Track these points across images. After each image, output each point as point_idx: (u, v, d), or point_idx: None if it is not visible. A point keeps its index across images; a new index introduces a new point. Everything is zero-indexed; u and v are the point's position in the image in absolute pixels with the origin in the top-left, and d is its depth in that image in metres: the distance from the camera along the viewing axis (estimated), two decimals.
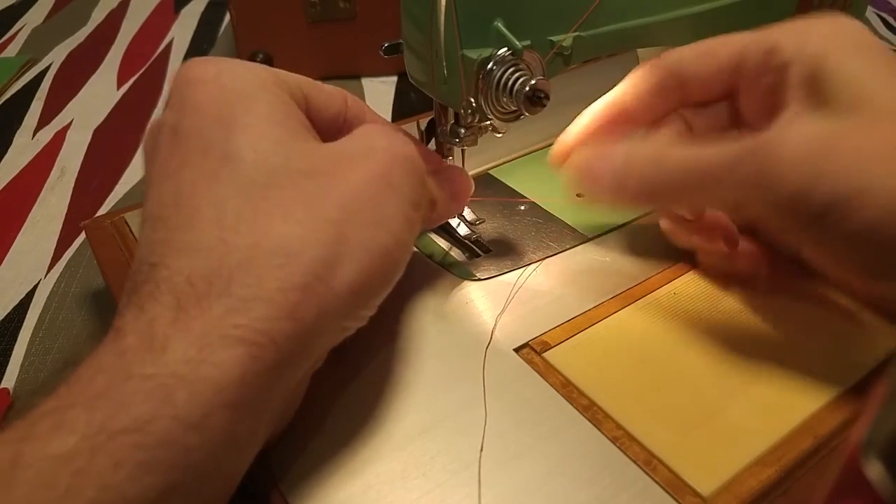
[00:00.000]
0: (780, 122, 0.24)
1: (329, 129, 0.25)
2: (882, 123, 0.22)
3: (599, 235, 0.33)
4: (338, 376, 0.26)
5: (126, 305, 0.19)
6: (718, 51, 0.27)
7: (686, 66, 0.28)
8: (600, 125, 0.29)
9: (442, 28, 0.26)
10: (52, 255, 0.42)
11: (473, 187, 0.29)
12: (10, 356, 0.35)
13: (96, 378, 0.17)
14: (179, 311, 0.18)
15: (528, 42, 0.27)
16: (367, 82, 0.60)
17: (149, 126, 0.24)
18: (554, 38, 0.27)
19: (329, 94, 0.25)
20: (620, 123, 0.29)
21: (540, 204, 0.35)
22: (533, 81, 0.26)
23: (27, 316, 0.38)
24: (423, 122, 0.31)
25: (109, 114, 0.58)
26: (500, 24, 0.26)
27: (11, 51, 0.70)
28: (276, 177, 0.21)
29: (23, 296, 0.39)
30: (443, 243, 0.33)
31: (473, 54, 0.26)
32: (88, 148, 0.53)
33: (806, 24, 0.25)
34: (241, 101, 0.22)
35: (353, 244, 0.20)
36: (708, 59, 0.27)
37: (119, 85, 0.63)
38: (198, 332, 0.18)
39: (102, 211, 0.47)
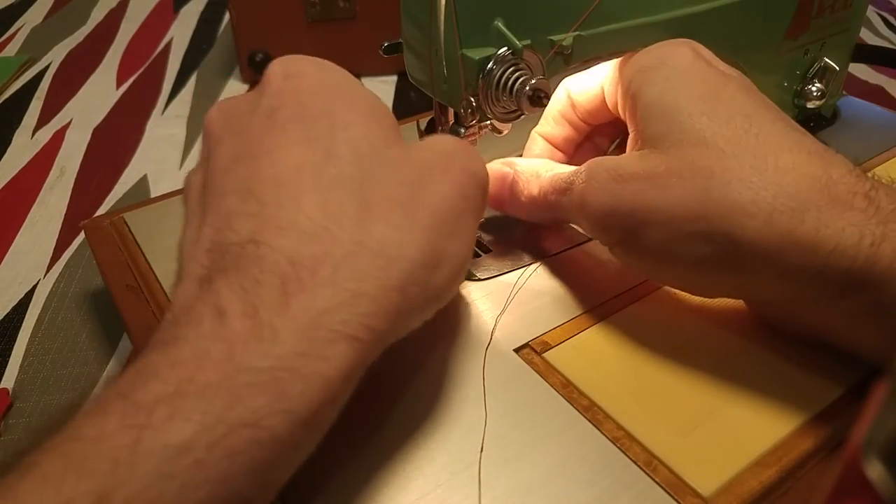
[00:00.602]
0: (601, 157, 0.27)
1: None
2: (676, 153, 0.24)
3: None
4: None
5: (222, 280, 0.19)
6: (594, 78, 0.31)
7: (573, 93, 0.32)
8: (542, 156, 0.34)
9: (442, 28, 0.26)
10: (51, 254, 0.42)
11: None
12: (9, 356, 0.35)
13: (204, 366, 0.17)
14: (285, 295, 0.18)
15: (528, 41, 0.27)
16: (367, 82, 0.60)
17: (217, 107, 0.24)
18: (554, 38, 0.27)
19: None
20: (552, 154, 0.34)
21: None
22: (533, 81, 0.26)
23: (26, 316, 0.38)
24: (423, 122, 0.31)
25: (109, 113, 0.58)
26: (500, 24, 0.26)
27: (11, 50, 0.69)
28: (374, 179, 0.21)
29: (22, 296, 0.39)
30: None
31: (473, 54, 0.26)
32: (88, 147, 0.53)
33: (642, 56, 0.28)
34: (341, 97, 0.22)
35: (445, 252, 0.21)
36: (585, 88, 0.32)
37: (118, 84, 0.63)
38: (307, 324, 0.18)
39: (101, 211, 0.47)
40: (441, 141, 0.24)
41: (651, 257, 0.26)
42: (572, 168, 0.29)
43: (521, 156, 0.40)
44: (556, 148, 0.34)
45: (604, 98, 0.30)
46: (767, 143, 0.23)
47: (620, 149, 0.33)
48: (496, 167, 0.31)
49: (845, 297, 0.22)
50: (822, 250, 0.22)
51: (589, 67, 0.31)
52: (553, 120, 0.33)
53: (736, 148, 0.23)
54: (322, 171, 0.21)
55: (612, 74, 0.30)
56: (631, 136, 0.28)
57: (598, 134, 0.34)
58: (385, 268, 0.20)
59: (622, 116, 0.29)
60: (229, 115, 0.23)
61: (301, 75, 0.23)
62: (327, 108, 0.22)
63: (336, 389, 0.18)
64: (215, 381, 0.16)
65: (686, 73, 0.26)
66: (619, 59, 0.29)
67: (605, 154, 0.33)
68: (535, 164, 0.30)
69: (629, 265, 0.27)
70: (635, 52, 0.28)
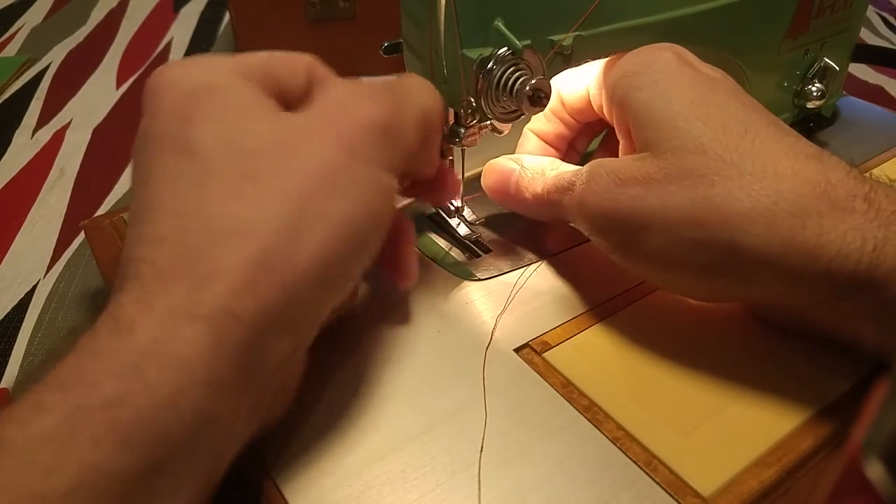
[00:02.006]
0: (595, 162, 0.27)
1: (301, 98, 0.24)
2: (674, 160, 0.24)
3: None
4: (337, 377, 0.26)
5: (106, 306, 0.20)
6: (580, 79, 0.31)
7: (562, 92, 0.32)
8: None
9: (442, 28, 0.26)
10: (51, 255, 0.42)
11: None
12: (9, 356, 0.35)
13: (68, 360, 0.18)
14: (144, 294, 0.19)
15: (528, 41, 0.27)
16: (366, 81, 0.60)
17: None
18: (554, 38, 0.27)
19: (293, 65, 0.24)
20: (545, 150, 0.34)
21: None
22: (533, 81, 0.26)
23: (26, 316, 0.38)
24: None
25: (109, 113, 0.58)
26: (500, 24, 0.26)
27: (10, 50, 0.69)
28: (230, 160, 0.21)
29: (22, 296, 0.39)
30: (443, 243, 0.33)
31: (473, 54, 0.26)
32: (88, 148, 0.53)
33: (625, 62, 0.27)
34: (201, 96, 0.22)
35: (313, 217, 0.20)
36: (574, 85, 0.31)
37: (118, 84, 0.63)
38: (162, 312, 0.18)
39: (101, 211, 0.47)
40: (328, 95, 0.23)
41: (650, 262, 0.26)
42: (577, 168, 0.29)
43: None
44: (549, 144, 0.34)
45: (589, 99, 0.31)
46: (764, 148, 0.23)
47: (605, 145, 0.34)
48: (502, 162, 0.32)
49: (847, 300, 0.22)
50: (824, 256, 0.22)
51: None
52: (545, 117, 0.33)
53: (734, 154, 0.23)
54: (176, 175, 0.21)
55: (596, 77, 0.30)
56: (621, 142, 0.28)
57: (590, 131, 0.34)
58: (238, 244, 0.19)
59: (608, 120, 0.29)
60: (134, 149, 0.23)
61: (165, 86, 0.22)
62: (185, 111, 0.21)
63: (201, 371, 0.18)
64: (74, 371, 0.17)
65: (673, 77, 0.26)
66: (604, 61, 0.29)
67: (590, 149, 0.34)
68: (541, 162, 0.30)
69: (628, 269, 0.27)
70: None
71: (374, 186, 0.22)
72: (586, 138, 0.34)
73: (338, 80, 0.25)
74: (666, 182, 0.24)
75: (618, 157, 0.28)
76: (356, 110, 0.22)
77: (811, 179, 0.22)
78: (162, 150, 0.21)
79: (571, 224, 0.29)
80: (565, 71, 0.30)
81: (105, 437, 0.16)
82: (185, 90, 0.22)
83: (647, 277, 0.28)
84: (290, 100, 0.23)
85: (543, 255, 0.32)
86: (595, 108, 0.30)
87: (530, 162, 0.31)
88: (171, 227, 0.20)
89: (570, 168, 0.29)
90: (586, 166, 0.27)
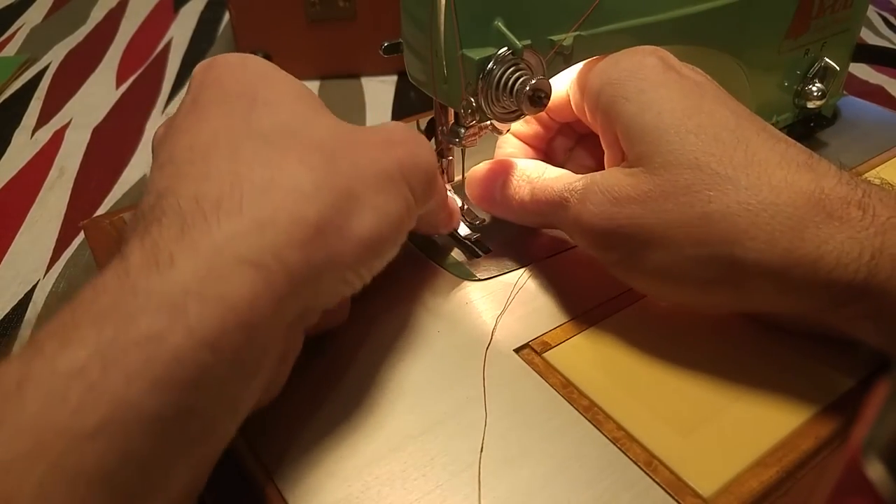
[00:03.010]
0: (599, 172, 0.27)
1: None
2: (669, 176, 0.24)
3: None
4: (338, 377, 0.26)
5: (131, 233, 0.19)
6: (559, 78, 0.30)
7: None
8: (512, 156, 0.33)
9: (442, 27, 0.26)
10: (50, 254, 0.42)
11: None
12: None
13: (101, 297, 0.17)
14: (186, 228, 0.18)
15: (528, 41, 0.27)
16: (366, 81, 0.60)
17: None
18: (554, 38, 0.27)
19: None
20: (526, 151, 0.33)
21: None
22: (533, 81, 0.26)
23: (26, 316, 0.38)
24: (423, 122, 0.31)
25: (108, 113, 0.58)
26: (500, 24, 0.26)
27: (10, 50, 0.69)
28: (296, 135, 0.21)
29: (21, 296, 0.39)
30: (441, 241, 0.33)
31: (473, 54, 0.26)
32: (87, 147, 0.53)
33: (609, 67, 0.27)
34: (266, 81, 0.23)
35: (366, 203, 0.21)
36: (557, 87, 0.30)
37: (118, 84, 0.63)
38: (207, 251, 0.18)
39: (101, 211, 0.47)
40: (391, 125, 0.25)
41: (651, 278, 0.25)
42: (561, 172, 0.29)
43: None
44: (528, 145, 0.33)
45: (569, 101, 0.30)
46: (757, 159, 0.23)
47: (583, 144, 0.33)
48: (484, 169, 0.31)
49: (848, 306, 0.22)
50: (823, 267, 0.22)
51: None
52: (522, 118, 0.33)
53: (728, 168, 0.23)
54: (237, 134, 0.21)
55: (575, 79, 0.29)
56: (607, 151, 0.28)
57: (570, 130, 0.33)
58: (300, 202, 0.19)
59: (589, 124, 0.29)
60: (162, 127, 0.24)
61: (223, 65, 0.23)
62: (248, 89, 0.22)
63: (243, 316, 0.18)
64: (109, 305, 0.17)
65: (660, 85, 0.25)
66: (583, 63, 0.29)
67: (571, 150, 0.34)
68: (525, 168, 0.30)
69: (630, 284, 0.27)
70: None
71: (408, 206, 0.24)
72: (566, 138, 0.33)
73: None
74: (662, 199, 0.24)
75: (596, 157, 0.29)
76: (418, 149, 0.24)
77: (805, 190, 0.22)
78: (217, 114, 0.21)
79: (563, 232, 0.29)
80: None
81: (140, 374, 0.16)
82: (247, 72, 0.23)
83: (648, 292, 0.28)
84: None
85: (544, 255, 0.32)
86: (575, 110, 0.30)
87: (515, 165, 0.30)
88: (224, 171, 0.20)
89: (556, 173, 0.29)
90: (579, 182, 0.27)
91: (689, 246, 0.23)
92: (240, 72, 0.23)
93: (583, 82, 0.28)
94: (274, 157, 0.20)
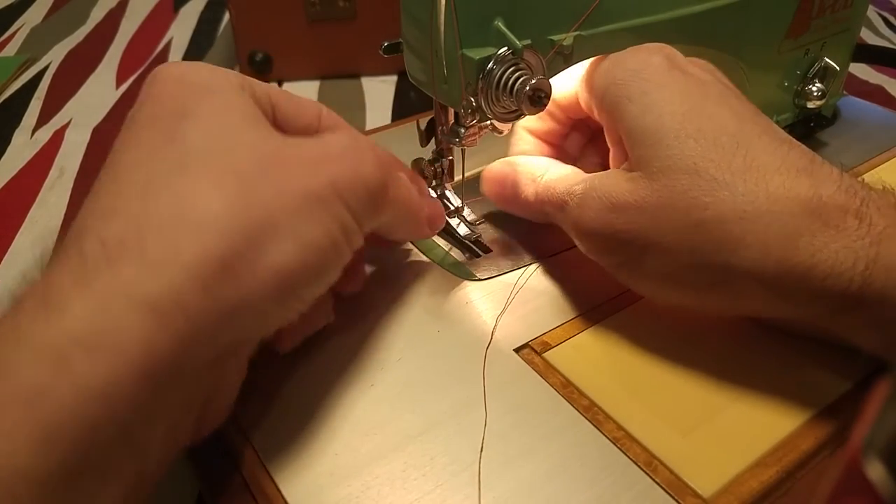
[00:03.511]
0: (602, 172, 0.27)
1: (300, 134, 0.24)
2: (666, 181, 0.23)
3: None
4: (338, 377, 0.26)
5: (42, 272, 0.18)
6: (571, 79, 0.30)
7: (553, 90, 0.30)
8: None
9: (442, 27, 0.26)
10: (50, 255, 0.42)
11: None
12: None
13: None
14: (85, 272, 0.17)
15: (528, 41, 0.27)
16: (366, 81, 0.60)
17: None
18: (554, 38, 0.27)
19: (301, 104, 0.25)
20: (540, 148, 0.33)
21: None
22: (533, 81, 0.26)
23: None
24: (423, 122, 0.31)
25: (108, 113, 0.58)
26: (500, 24, 0.26)
27: (10, 50, 0.69)
28: (215, 156, 0.20)
29: None
30: (443, 243, 0.33)
31: (473, 54, 0.26)
32: (87, 147, 0.53)
33: (614, 66, 0.26)
34: (199, 94, 0.21)
35: (285, 232, 0.20)
36: (564, 82, 0.30)
37: (118, 84, 0.63)
38: (101, 294, 0.17)
39: None
40: (334, 136, 0.24)
41: (651, 282, 0.26)
42: (568, 171, 0.29)
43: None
44: (542, 141, 0.33)
45: (578, 100, 0.30)
46: (756, 164, 0.23)
47: (596, 143, 0.33)
48: (497, 167, 0.31)
49: (844, 314, 0.22)
50: (817, 276, 0.22)
51: None
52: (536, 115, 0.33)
53: (726, 174, 0.23)
54: (156, 157, 0.20)
55: (583, 77, 0.29)
56: (612, 149, 0.28)
57: (584, 127, 0.33)
58: (204, 236, 0.18)
59: (597, 120, 0.29)
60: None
61: (163, 79, 0.22)
62: (180, 105, 0.21)
63: (136, 363, 0.16)
64: None
65: (664, 86, 0.25)
66: (591, 61, 0.29)
67: (585, 146, 0.33)
68: (534, 165, 0.30)
69: (631, 287, 0.27)
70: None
71: (344, 228, 0.22)
72: (580, 134, 0.33)
73: (348, 128, 0.26)
74: (659, 206, 0.23)
75: (607, 156, 0.28)
76: (358, 164, 0.22)
77: (803, 197, 0.22)
78: (146, 136, 0.20)
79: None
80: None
81: (19, 432, 0.15)
82: (184, 85, 0.22)
83: (648, 295, 0.27)
84: (287, 131, 0.23)
85: (543, 255, 0.32)
86: (584, 108, 0.30)
87: (524, 164, 0.31)
88: (132, 203, 0.19)
89: (560, 173, 0.29)
90: (580, 186, 0.27)
91: (685, 253, 0.23)
92: (176, 86, 0.21)
93: (590, 80, 0.28)
94: (186, 187, 0.19)
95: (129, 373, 0.16)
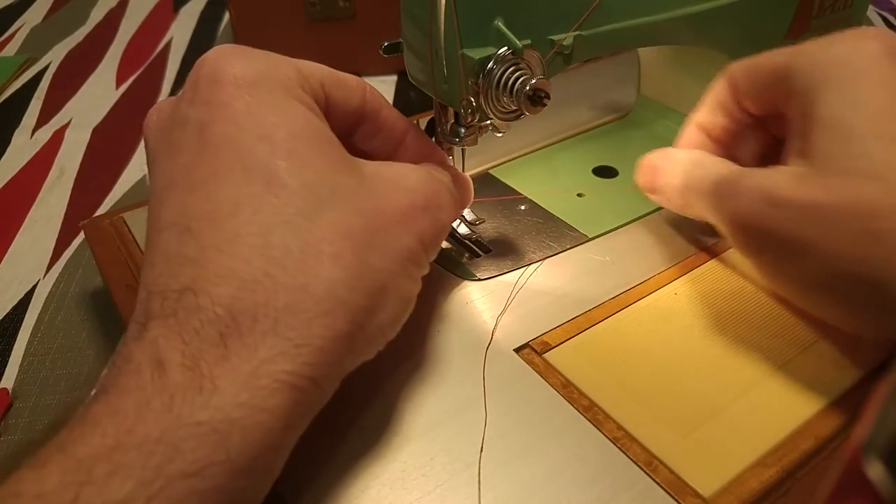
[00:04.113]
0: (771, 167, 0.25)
1: (346, 122, 0.25)
2: (843, 183, 0.21)
3: (599, 235, 0.33)
4: None
5: (160, 328, 0.18)
6: (762, 66, 0.26)
7: (737, 78, 0.28)
8: (689, 146, 0.30)
9: (442, 27, 0.26)
10: (50, 254, 0.42)
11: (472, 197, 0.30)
12: (9, 356, 0.35)
13: (145, 418, 0.17)
14: (225, 347, 0.18)
15: (528, 41, 0.27)
16: (366, 81, 0.60)
17: (155, 112, 0.23)
18: (554, 38, 0.27)
19: (347, 87, 0.24)
20: (707, 146, 0.30)
21: (536, 202, 0.35)
22: (533, 81, 0.26)
23: (26, 316, 0.38)
24: (423, 122, 0.31)
25: (108, 113, 0.58)
26: (500, 24, 0.26)
27: (10, 50, 0.69)
28: (322, 212, 0.20)
29: (22, 296, 0.39)
30: (443, 243, 0.33)
31: (473, 53, 0.26)
32: (87, 147, 0.53)
33: (820, 49, 0.24)
34: (276, 113, 0.20)
35: (391, 293, 0.21)
36: (752, 73, 0.27)
37: (118, 84, 0.63)
38: (247, 374, 0.17)
39: (101, 210, 0.47)
40: (404, 174, 0.23)
41: (799, 287, 0.24)
42: (717, 163, 0.27)
43: (526, 154, 0.40)
44: (711, 139, 0.29)
45: (772, 86, 0.26)
46: None
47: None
48: (652, 155, 0.30)
49: None
50: None
51: (588, 66, 0.31)
52: (709, 107, 0.29)
53: None
54: (262, 207, 0.19)
55: (777, 59, 0.25)
56: (788, 142, 0.25)
57: (761, 131, 0.29)
58: (331, 314, 0.19)
59: (783, 108, 0.25)
60: (161, 126, 0.22)
61: (229, 83, 0.21)
62: (264, 130, 0.20)
63: (277, 438, 0.18)
64: (156, 434, 0.16)
65: (872, 78, 0.22)
66: (794, 47, 0.25)
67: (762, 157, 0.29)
68: (685, 156, 0.28)
69: (773, 288, 0.26)
70: (635, 51, 0.28)
71: (424, 265, 0.23)
72: (756, 142, 0.29)
73: (392, 109, 0.26)
74: (831, 209, 0.21)
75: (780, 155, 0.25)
76: (439, 212, 0.23)
77: None
78: (235, 166, 0.19)
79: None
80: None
81: None
82: (257, 99, 0.20)
83: (792, 300, 0.26)
84: (338, 122, 0.24)
85: (543, 255, 0.32)
86: (769, 92, 0.26)
87: (678, 153, 0.29)
88: (258, 272, 0.18)
89: (711, 165, 0.27)
90: (736, 175, 0.25)
91: (846, 262, 0.21)
92: (249, 97, 0.20)
93: (786, 61, 0.25)
94: (306, 254, 0.19)
95: (271, 446, 0.18)
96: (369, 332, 0.20)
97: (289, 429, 0.18)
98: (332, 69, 0.24)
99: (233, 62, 0.21)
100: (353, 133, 0.25)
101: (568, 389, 0.25)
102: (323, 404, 0.20)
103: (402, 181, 0.23)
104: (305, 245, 0.19)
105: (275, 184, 0.19)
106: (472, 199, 0.30)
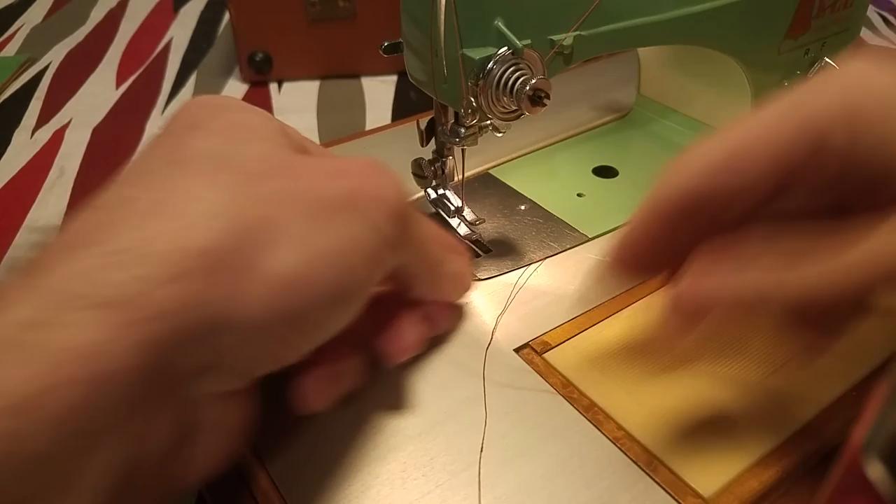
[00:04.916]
0: None
1: None
2: None
3: (599, 235, 0.33)
4: None
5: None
6: (744, 159, 0.19)
7: (704, 190, 0.20)
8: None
9: (442, 27, 0.26)
10: None
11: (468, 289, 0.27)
12: None
13: None
14: (48, 263, 0.15)
15: (528, 41, 0.27)
16: (366, 81, 0.60)
17: None
18: (554, 38, 0.27)
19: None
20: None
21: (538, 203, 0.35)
22: (533, 81, 0.26)
23: None
24: (423, 122, 0.31)
25: (108, 113, 0.58)
26: (500, 24, 0.26)
27: (10, 50, 0.69)
28: (218, 160, 0.18)
29: None
30: None
31: (473, 53, 0.26)
32: (87, 147, 0.53)
33: (862, 73, 0.18)
34: (217, 111, 0.20)
35: (290, 233, 0.17)
36: (735, 174, 0.19)
37: (118, 84, 0.63)
38: (48, 290, 0.14)
39: None
40: (365, 164, 0.20)
41: None
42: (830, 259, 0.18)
43: (526, 154, 0.40)
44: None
45: (771, 176, 0.19)
46: None
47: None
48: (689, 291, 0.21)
49: None
50: None
51: (588, 66, 0.31)
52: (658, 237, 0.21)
53: None
54: (156, 157, 0.18)
55: (794, 143, 0.18)
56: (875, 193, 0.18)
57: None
58: (192, 227, 0.15)
59: (826, 160, 0.18)
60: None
61: (189, 103, 0.20)
62: (197, 118, 0.19)
63: (74, 365, 0.13)
64: None
65: None
66: (772, 117, 0.19)
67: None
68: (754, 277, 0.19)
69: None
70: (635, 51, 0.27)
71: (363, 244, 0.19)
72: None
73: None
74: None
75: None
76: (380, 182, 0.20)
77: None
78: (156, 143, 0.19)
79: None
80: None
81: None
82: (209, 106, 0.20)
83: None
84: None
85: (543, 255, 0.32)
86: (793, 144, 0.19)
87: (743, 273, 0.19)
88: (115, 197, 0.16)
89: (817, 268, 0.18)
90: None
91: None
92: (197, 107, 0.20)
93: (816, 97, 0.19)
94: (179, 181, 0.17)
95: (68, 380, 0.14)
96: (255, 275, 0.16)
97: (103, 366, 0.14)
98: (320, 146, 0.24)
99: (202, 96, 0.21)
100: None
101: (568, 389, 0.25)
102: (187, 375, 0.16)
103: (339, 157, 0.21)
104: (183, 177, 0.17)
105: (180, 145, 0.18)
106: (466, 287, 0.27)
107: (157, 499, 0.17)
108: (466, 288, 0.27)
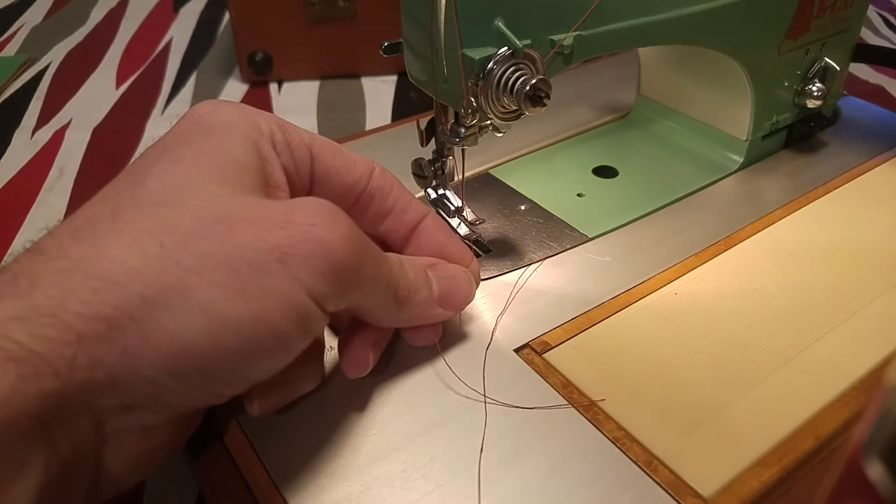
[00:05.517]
0: None
1: (343, 195, 0.25)
2: None
3: (599, 235, 0.33)
4: (337, 377, 0.26)
5: None
6: None
7: None
8: None
9: (442, 27, 0.26)
10: None
11: (472, 298, 0.27)
12: None
13: None
14: None
15: (528, 41, 0.27)
16: (366, 81, 0.60)
17: None
18: (554, 38, 0.27)
19: (351, 161, 0.25)
20: None
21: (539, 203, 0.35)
22: (533, 81, 0.26)
23: None
24: (423, 122, 0.31)
25: (108, 113, 0.58)
26: (500, 24, 0.26)
27: (10, 50, 0.69)
28: (159, 208, 0.19)
29: None
30: None
31: (474, 53, 0.26)
32: (87, 147, 0.53)
33: None
34: (193, 135, 0.21)
35: (206, 299, 0.17)
36: None
37: (118, 84, 0.63)
38: None
39: None
40: (310, 202, 0.20)
41: None
42: None
43: (526, 154, 0.40)
44: None
45: None
46: None
47: None
48: None
49: None
50: None
51: (588, 66, 0.31)
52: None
53: None
54: (111, 197, 0.19)
55: None
56: None
57: None
58: (99, 291, 0.17)
59: None
60: None
61: (187, 116, 0.22)
62: (171, 144, 0.21)
63: None
64: None
65: None
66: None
67: None
68: None
69: None
70: (635, 51, 0.27)
71: (293, 306, 0.19)
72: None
73: (403, 190, 0.25)
74: None
75: None
76: (325, 231, 0.19)
77: None
78: (127, 172, 0.20)
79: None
80: None
81: None
82: (196, 124, 0.21)
83: None
84: (330, 186, 0.24)
85: (543, 255, 0.32)
86: None
87: None
88: (52, 244, 0.18)
89: None
90: None
91: None
92: (186, 125, 0.22)
93: None
94: (108, 238, 0.18)
95: None
96: (149, 336, 0.17)
97: (11, 410, 0.15)
98: (331, 141, 0.25)
99: (206, 104, 0.22)
100: (359, 210, 0.25)
101: (568, 389, 0.25)
102: (87, 417, 0.17)
103: (292, 202, 0.20)
104: (116, 227, 0.18)
105: (138, 181, 0.20)
106: (469, 296, 0.26)
107: None
108: (459, 307, 0.26)
